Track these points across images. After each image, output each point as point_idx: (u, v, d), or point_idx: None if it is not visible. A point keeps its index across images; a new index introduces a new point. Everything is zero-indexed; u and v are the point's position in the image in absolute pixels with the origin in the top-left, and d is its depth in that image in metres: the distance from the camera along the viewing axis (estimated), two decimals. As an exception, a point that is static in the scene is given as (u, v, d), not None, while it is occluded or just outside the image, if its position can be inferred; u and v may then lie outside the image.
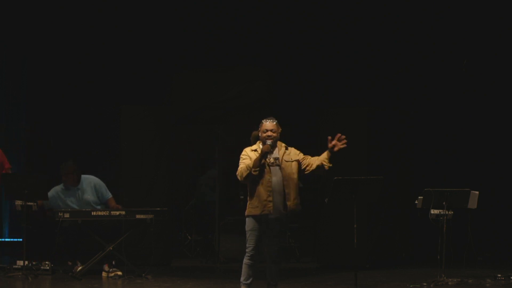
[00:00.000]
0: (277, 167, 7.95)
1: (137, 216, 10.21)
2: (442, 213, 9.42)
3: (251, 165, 7.88)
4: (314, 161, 8.03)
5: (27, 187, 10.04)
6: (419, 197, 9.58)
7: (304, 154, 8.16)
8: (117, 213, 10.24)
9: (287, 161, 7.98)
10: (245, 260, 7.98)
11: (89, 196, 10.49)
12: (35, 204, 10.24)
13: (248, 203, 8.01)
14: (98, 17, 13.39)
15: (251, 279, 7.98)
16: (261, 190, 7.90)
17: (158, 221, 10.30)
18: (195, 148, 13.47)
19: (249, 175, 7.90)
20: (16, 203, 10.23)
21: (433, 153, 12.65)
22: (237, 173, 8.00)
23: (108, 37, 13.45)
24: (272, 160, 7.96)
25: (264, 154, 7.89)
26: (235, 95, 11.95)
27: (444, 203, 9.40)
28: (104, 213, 10.23)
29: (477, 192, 9.52)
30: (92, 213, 10.17)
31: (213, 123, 12.23)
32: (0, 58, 14.01)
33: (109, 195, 10.64)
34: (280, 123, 8.08)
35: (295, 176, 8.00)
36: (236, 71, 12.30)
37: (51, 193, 10.45)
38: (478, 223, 10.63)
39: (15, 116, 13.98)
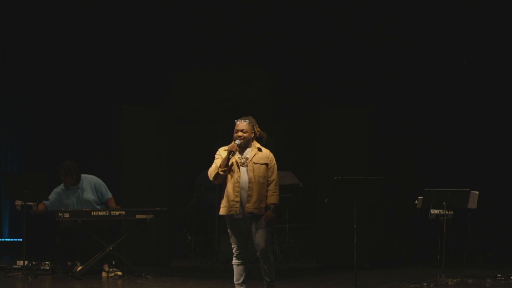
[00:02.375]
0: (246, 168, 7.91)
1: (137, 216, 10.20)
2: (442, 213, 9.42)
3: (218, 165, 7.88)
4: (268, 184, 7.95)
5: (27, 187, 10.04)
6: (419, 197, 9.57)
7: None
8: (117, 213, 10.24)
9: (255, 163, 7.91)
10: (233, 261, 8.01)
11: (89, 195, 10.49)
12: (35, 204, 10.24)
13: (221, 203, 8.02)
14: (98, 17, 13.38)
15: (242, 278, 7.98)
16: (230, 190, 7.89)
17: (158, 221, 10.30)
18: (195, 148, 13.47)
19: (218, 174, 7.88)
20: (16, 203, 10.22)
21: (433, 153, 12.66)
22: (208, 173, 7.99)
23: (108, 37, 13.45)
24: (243, 160, 7.92)
25: (229, 153, 7.85)
26: (235, 95, 11.95)
27: (444, 203, 9.40)
28: (104, 213, 10.23)
29: (477, 192, 9.52)
30: (92, 213, 10.17)
31: (213, 123, 12.24)
32: (0, 58, 14.01)
33: (109, 195, 10.64)
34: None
35: (262, 180, 7.91)
36: (236, 71, 12.30)
37: (51, 196, 10.44)
38: (478, 223, 10.63)
39: (15, 116, 13.98)
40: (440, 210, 9.42)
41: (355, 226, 8.37)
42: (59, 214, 10.00)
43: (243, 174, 7.89)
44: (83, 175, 10.59)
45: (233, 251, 7.98)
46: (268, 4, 12.91)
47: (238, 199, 7.85)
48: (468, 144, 12.60)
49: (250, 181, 7.87)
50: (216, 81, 12.16)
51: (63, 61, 13.59)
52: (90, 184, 10.56)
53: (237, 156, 7.92)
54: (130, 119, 11.68)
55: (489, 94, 12.57)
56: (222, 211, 7.97)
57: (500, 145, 12.56)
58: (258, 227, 7.89)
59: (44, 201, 10.38)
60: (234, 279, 8.00)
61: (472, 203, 9.53)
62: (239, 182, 7.86)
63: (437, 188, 9.49)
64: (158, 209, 10.32)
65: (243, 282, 7.98)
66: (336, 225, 11.13)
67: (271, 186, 7.96)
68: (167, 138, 11.75)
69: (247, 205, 7.85)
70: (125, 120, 11.70)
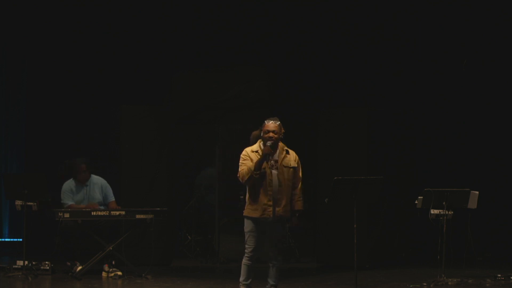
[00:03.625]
0: (276, 171, 7.89)
1: (137, 216, 10.21)
2: (442, 213, 9.42)
3: (252, 168, 7.78)
4: (294, 188, 7.99)
5: (27, 187, 10.05)
6: (419, 197, 9.57)
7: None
8: (117, 213, 10.24)
9: (285, 167, 7.92)
10: (244, 261, 7.98)
11: (97, 195, 10.54)
12: (35, 204, 10.25)
13: (247, 204, 7.95)
14: (98, 17, 13.38)
15: (250, 280, 8.00)
16: (262, 193, 7.84)
17: (158, 221, 10.30)
18: (195, 148, 13.47)
19: (251, 177, 7.82)
20: (16, 203, 10.23)
21: (433, 153, 12.66)
22: (238, 175, 7.92)
23: (108, 37, 13.45)
24: (272, 162, 7.88)
25: (265, 157, 7.81)
26: (235, 95, 11.94)
27: (444, 203, 9.40)
28: (104, 213, 10.24)
29: (477, 192, 9.53)
30: (92, 213, 10.18)
31: (213, 123, 12.23)
32: (0, 58, 14.00)
33: (112, 198, 10.67)
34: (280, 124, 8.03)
35: (290, 183, 7.93)
36: (236, 71, 12.29)
37: (65, 187, 10.49)
38: (478, 223, 10.63)
39: (15, 116, 13.97)
40: (440, 210, 9.43)
41: (355, 226, 8.37)
42: (59, 214, 10.01)
43: (274, 177, 7.86)
44: (92, 175, 10.66)
45: (247, 251, 7.95)
46: (268, 4, 12.90)
47: (271, 202, 7.84)
48: (468, 144, 12.59)
49: (280, 185, 7.86)
50: (216, 81, 12.16)
51: (63, 61, 13.58)
52: (98, 184, 10.63)
53: None
54: (130, 119, 11.69)
55: (489, 94, 12.57)
56: (254, 213, 7.87)
57: (500, 145, 12.56)
58: (279, 230, 7.98)
59: (70, 203, 10.41)
60: (242, 278, 7.99)
61: (472, 203, 9.53)
62: (271, 186, 7.84)
63: (437, 188, 9.49)
64: (158, 209, 10.32)
65: (250, 283, 8.00)
66: (336, 225, 11.13)
67: (297, 191, 8.00)
68: (167, 138, 11.75)
69: (277, 209, 7.87)
70: (125, 120, 11.70)
